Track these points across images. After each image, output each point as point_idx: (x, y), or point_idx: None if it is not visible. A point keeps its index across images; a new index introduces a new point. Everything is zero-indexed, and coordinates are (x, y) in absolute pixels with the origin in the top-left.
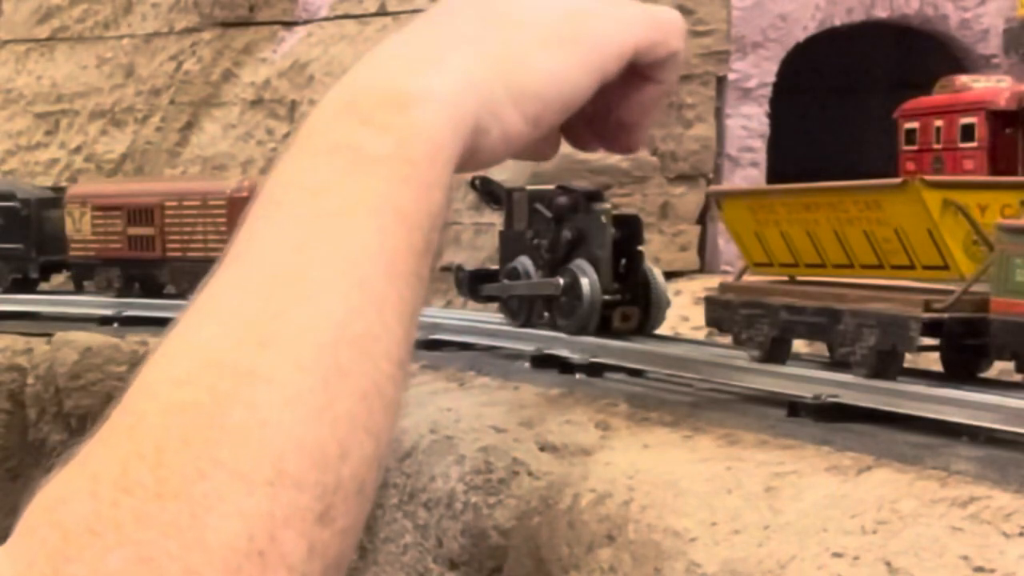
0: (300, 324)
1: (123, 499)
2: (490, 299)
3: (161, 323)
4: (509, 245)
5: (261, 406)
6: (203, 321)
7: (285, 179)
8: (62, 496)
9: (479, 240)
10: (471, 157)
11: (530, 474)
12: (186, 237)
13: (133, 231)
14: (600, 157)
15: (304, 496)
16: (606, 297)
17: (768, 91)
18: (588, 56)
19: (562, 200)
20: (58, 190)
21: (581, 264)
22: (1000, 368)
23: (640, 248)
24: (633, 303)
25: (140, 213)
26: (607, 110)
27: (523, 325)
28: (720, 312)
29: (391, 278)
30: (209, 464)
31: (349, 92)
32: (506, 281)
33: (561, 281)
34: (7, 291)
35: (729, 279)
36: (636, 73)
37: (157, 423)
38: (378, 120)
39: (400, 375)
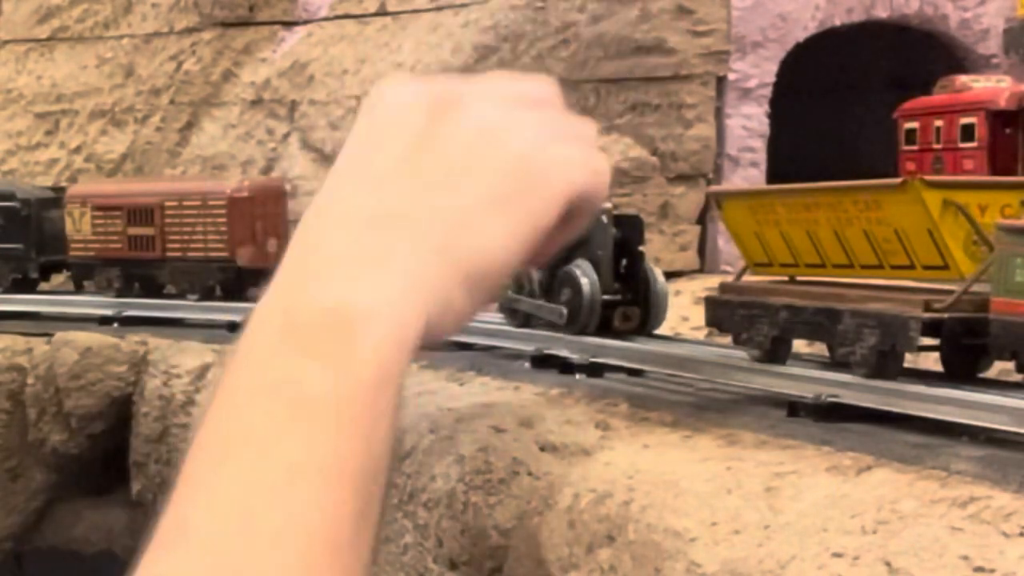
0: None
1: None
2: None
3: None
4: None
5: None
6: None
7: (229, 426)
8: None
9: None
10: (423, 345)
11: (530, 474)
12: (186, 237)
13: (133, 231)
14: None
15: None
16: (607, 297)
17: (768, 91)
18: (534, 215)
19: None
20: (58, 190)
21: (582, 264)
22: (1000, 368)
23: (641, 248)
24: (634, 303)
25: (140, 213)
26: None
27: (522, 325)
28: (720, 312)
29: (337, 552)
30: None
31: (290, 308)
32: (511, 294)
33: (564, 310)
34: (7, 291)
35: (729, 279)
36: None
37: None
38: (320, 350)
39: None
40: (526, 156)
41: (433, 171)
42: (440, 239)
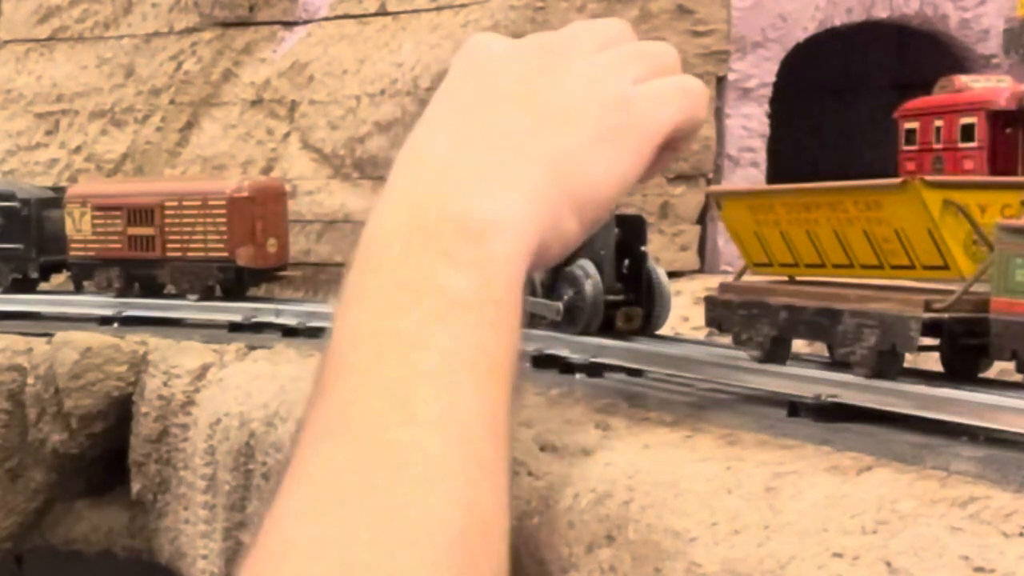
0: (431, 518)
1: None
2: None
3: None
4: None
5: None
6: (330, 508)
7: (375, 321)
8: None
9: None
10: (532, 269)
11: (530, 474)
12: (186, 237)
13: (133, 231)
14: None
15: None
16: (609, 297)
17: (768, 91)
18: (639, 147)
19: None
20: (58, 190)
21: (584, 264)
22: (1000, 368)
23: (644, 248)
24: (636, 303)
25: (140, 213)
26: None
27: (524, 325)
28: (720, 312)
29: (495, 438)
30: None
31: (415, 213)
32: None
33: (560, 305)
34: (7, 291)
35: (729, 279)
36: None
37: None
38: (458, 255)
39: (508, 542)
40: (625, 96)
41: (542, 109)
42: (552, 166)
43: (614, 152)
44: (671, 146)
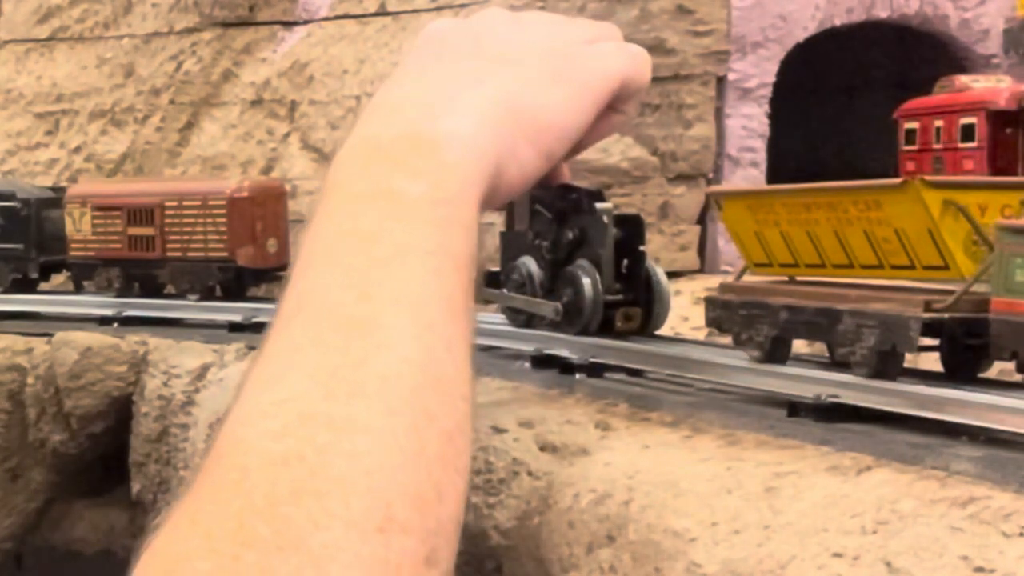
0: (385, 371)
1: (245, 554)
2: (490, 301)
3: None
4: (510, 246)
5: (362, 455)
6: (286, 374)
7: (332, 228)
8: (179, 555)
9: (480, 240)
10: (492, 196)
11: (530, 474)
12: (186, 237)
13: (133, 231)
14: (600, 157)
15: (411, 540)
16: (608, 298)
17: (768, 91)
18: (586, 90)
19: (564, 200)
20: (58, 190)
21: (583, 264)
22: (1000, 368)
23: (642, 248)
24: (635, 303)
25: (140, 213)
26: None
27: (524, 326)
28: (720, 312)
29: (453, 317)
30: (323, 515)
31: (372, 139)
32: (505, 291)
33: (560, 305)
34: (7, 291)
35: (729, 279)
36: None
37: (264, 477)
38: (411, 164)
39: (472, 411)
40: (573, 47)
41: (492, 55)
42: (504, 99)
43: (563, 90)
44: (618, 105)
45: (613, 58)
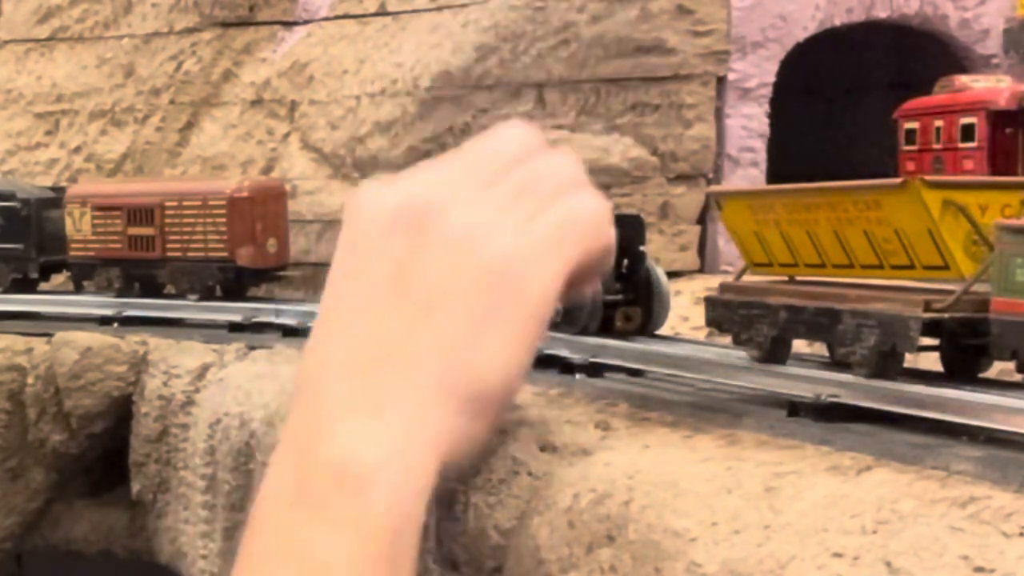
0: None
1: None
2: None
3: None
4: None
5: None
6: None
7: (261, 542)
8: None
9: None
10: (439, 481)
11: (530, 474)
12: (186, 237)
13: (133, 231)
14: (600, 156)
15: None
16: (608, 297)
17: (768, 91)
18: (523, 325)
19: None
20: (58, 190)
21: None
22: (1000, 368)
23: (642, 248)
24: (635, 303)
25: (140, 213)
26: None
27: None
28: (720, 312)
29: None
30: None
31: (300, 466)
32: None
33: (560, 306)
34: (7, 291)
35: (729, 279)
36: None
37: None
38: (333, 513)
39: None
40: (504, 260)
41: (417, 296)
42: (436, 371)
43: (498, 337)
44: (579, 281)
45: (559, 250)
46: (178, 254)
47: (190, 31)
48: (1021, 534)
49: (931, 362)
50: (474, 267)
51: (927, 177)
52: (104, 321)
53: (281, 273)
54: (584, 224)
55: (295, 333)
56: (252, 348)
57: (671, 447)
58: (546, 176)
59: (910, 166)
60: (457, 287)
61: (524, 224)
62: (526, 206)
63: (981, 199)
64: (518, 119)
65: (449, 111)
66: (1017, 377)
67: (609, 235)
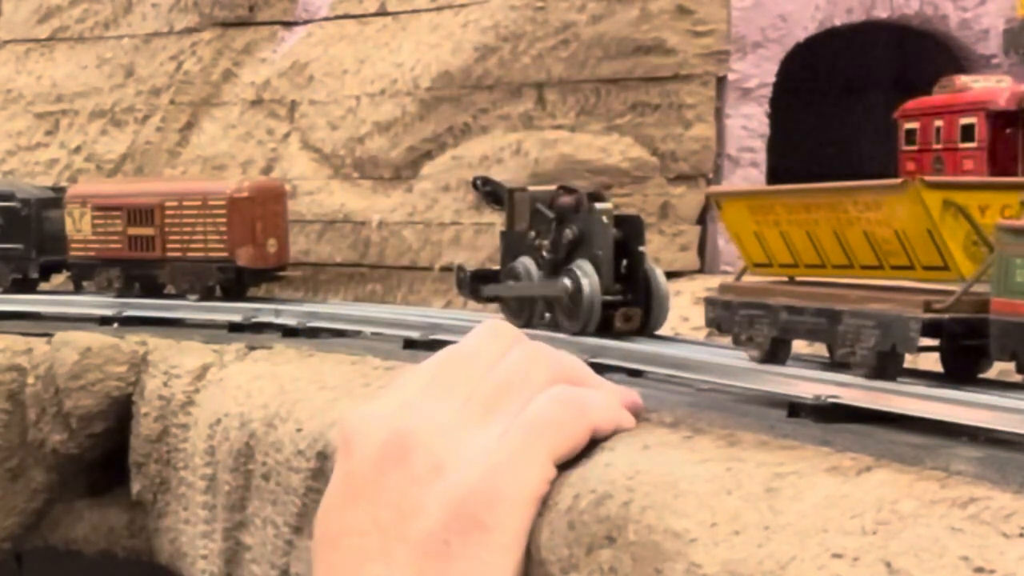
0: None
1: None
2: (491, 300)
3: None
4: (510, 245)
5: None
6: None
7: None
8: None
9: (479, 240)
10: None
11: None
12: (186, 237)
13: (133, 231)
14: (600, 157)
15: None
16: (607, 298)
17: (768, 91)
18: (495, 555)
19: (564, 200)
20: (58, 190)
21: (582, 264)
22: (1000, 368)
23: (642, 248)
24: (635, 304)
25: (140, 213)
26: None
27: (524, 325)
28: (720, 312)
29: None
30: None
31: None
32: (510, 282)
33: (568, 282)
34: (7, 291)
35: (729, 279)
36: None
37: None
38: None
39: None
40: (474, 491)
41: (393, 532)
42: None
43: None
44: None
45: (529, 467)
46: (178, 254)
47: (190, 31)
48: (1021, 535)
49: (931, 362)
50: (448, 500)
51: (927, 177)
52: (104, 321)
53: (281, 273)
54: (557, 424)
55: (295, 333)
56: (252, 348)
57: (671, 448)
58: (517, 380)
59: (910, 166)
60: (423, 522)
61: (496, 442)
62: (500, 418)
63: (981, 199)
64: (490, 321)
65: (449, 111)
66: (1017, 377)
67: (586, 422)
